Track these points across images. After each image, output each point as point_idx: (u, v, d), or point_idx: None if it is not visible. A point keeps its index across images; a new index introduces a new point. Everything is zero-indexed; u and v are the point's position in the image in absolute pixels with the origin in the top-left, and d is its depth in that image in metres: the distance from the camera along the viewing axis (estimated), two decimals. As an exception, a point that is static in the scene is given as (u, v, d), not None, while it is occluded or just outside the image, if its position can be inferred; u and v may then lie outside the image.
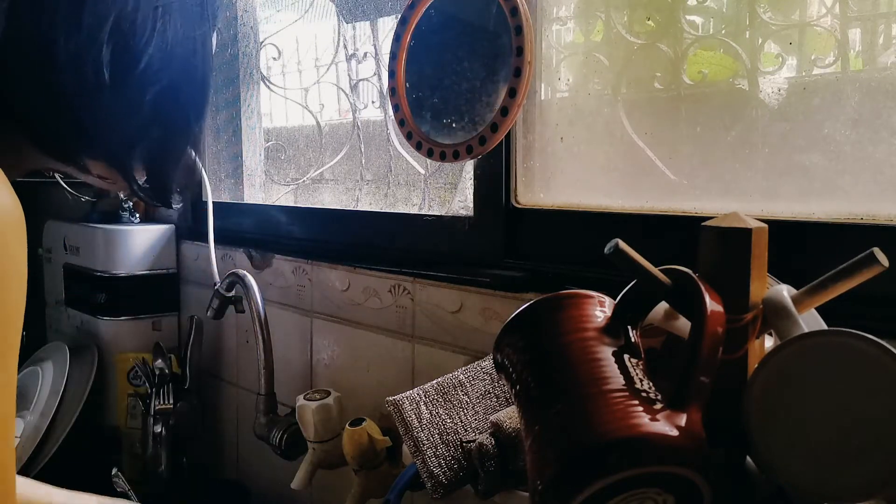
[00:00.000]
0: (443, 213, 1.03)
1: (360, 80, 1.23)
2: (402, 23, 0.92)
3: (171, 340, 1.51)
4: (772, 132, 0.74)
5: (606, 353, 0.49)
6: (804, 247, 0.68)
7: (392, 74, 0.93)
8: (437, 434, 0.73)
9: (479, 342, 0.93)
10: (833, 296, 0.50)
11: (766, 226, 0.52)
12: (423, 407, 0.74)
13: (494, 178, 0.93)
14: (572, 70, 0.90)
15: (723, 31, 0.78)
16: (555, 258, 0.88)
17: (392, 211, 1.15)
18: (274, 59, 1.40)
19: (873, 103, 0.67)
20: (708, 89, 0.79)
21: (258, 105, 1.49)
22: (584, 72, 0.89)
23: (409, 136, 0.93)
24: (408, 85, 0.93)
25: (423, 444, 0.72)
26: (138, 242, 1.49)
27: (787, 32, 0.74)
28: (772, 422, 0.47)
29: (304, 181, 1.36)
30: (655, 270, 0.52)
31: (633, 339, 0.51)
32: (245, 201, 1.49)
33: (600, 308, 0.52)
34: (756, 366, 0.49)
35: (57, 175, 1.30)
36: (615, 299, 0.53)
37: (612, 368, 0.48)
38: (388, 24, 1.17)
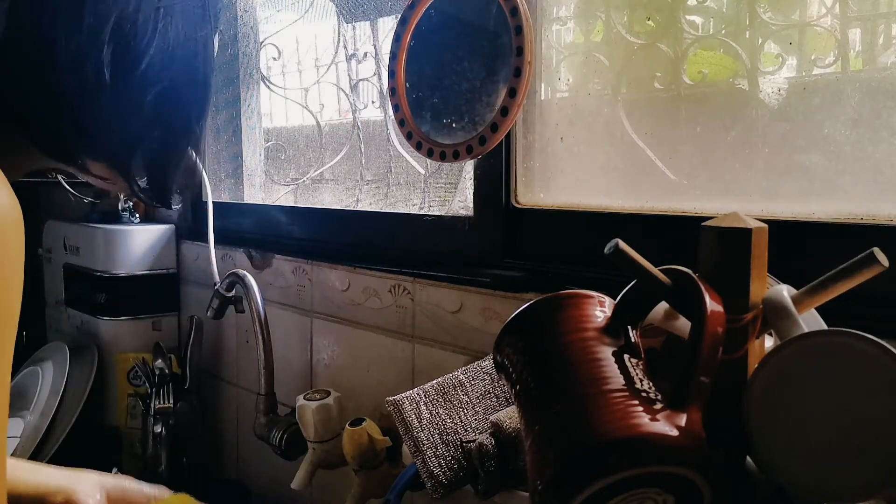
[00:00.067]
0: (443, 213, 1.03)
1: (360, 80, 1.23)
2: (402, 23, 0.92)
3: (171, 340, 1.51)
4: (772, 132, 0.74)
5: (606, 353, 0.49)
6: (804, 247, 0.68)
7: (392, 74, 0.93)
8: (437, 434, 0.73)
9: (479, 342, 0.93)
10: (833, 296, 0.50)
11: (766, 226, 0.52)
12: (423, 407, 0.74)
13: (494, 178, 0.93)
14: (572, 70, 0.90)
15: (723, 31, 0.78)
16: (555, 258, 0.88)
17: (392, 211, 1.15)
18: (274, 59, 1.40)
19: (873, 103, 0.68)
20: (708, 89, 0.79)
21: (258, 105, 1.49)
22: (584, 72, 0.89)
23: (409, 136, 0.93)
24: (408, 85, 0.93)
25: (423, 444, 0.72)
26: (138, 242, 1.49)
27: (787, 32, 0.74)
28: (772, 422, 0.47)
29: (304, 181, 1.36)
30: (655, 270, 0.52)
31: (633, 339, 0.51)
32: (245, 201, 1.49)
33: (600, 308, 0.52)
34: (756, 366, 0.49)
35: (59, 175, 1.30)
36: (615, 299, 0.53)
37: (612, 368, 0.48)
38: (388, 24, 1.17)
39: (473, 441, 0.70)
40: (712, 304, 0.48)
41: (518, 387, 0.51)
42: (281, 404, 1.17)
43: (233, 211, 1.43)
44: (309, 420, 0.98)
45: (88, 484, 0.77)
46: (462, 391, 0.77)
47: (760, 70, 0.75)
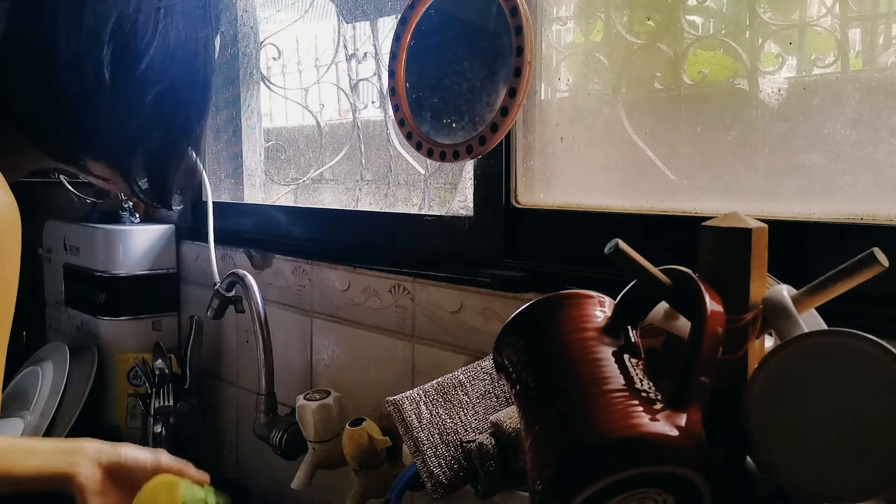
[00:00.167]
0: (443, 213, 1.03)
1: (360, 80, 1.23)
2: (402, 23, 0.92)
3: (171, 340, 1.51)
4: (772, 132, 0.74)
5: (606, 353, 0.49)
6: (804, 247, 0.68)
7: (392, 74, 0.93)
8: (437, 434, 0.73)
9: (479, 342, 0.93)
10: (833, 296, 0.50)
11: (766, 226, 0.52)
12: (423, 407, 0.74)
13: (494, 178, 0.93)
14: (572, 70, 0.90)
15: (723, 31, 0.78)
16: (555, 258, 0.88)
17: (392, 211, 1.15)
18: (274, 59, 1.40)
19: (873, 103, 0.68)
20: (708, 89, 0.79)
21: (258, 105, 1.49)
22: (584, 72, 0.89)
23: (409, 136, 0.93)
24: (408, 85, 0.93)
25: (423, 444, 0.72)
26: (138, 242, 1.49)
27: (787, 32, 0.74)
28: (772, 422, 0.47)
29: (304, 181, 1.36)
30: (655, 270, 0.52)
31: (633, 339, 0.51)
32: (245, 201, 1.49)
33: (600, 308, 0.52)
34: (756, 366, 0.49)
35: (61, 175, 1.30)
36: (615, 299, 0.53)
37: (612, 368, 0.48)
38: (388, 24, 1.17)
39: (473, 441, 0.70)
40: (712, 304, 0.48)
41: (518, 387, 0.52)
42: (281, 404, 1.17)
43: (233, 211, 1.43)
44: (309, 420, 0.98)
45: (87, 464, 0.77)
46: (462, 391, 0.77)
47: (760, 70, 0.75)
